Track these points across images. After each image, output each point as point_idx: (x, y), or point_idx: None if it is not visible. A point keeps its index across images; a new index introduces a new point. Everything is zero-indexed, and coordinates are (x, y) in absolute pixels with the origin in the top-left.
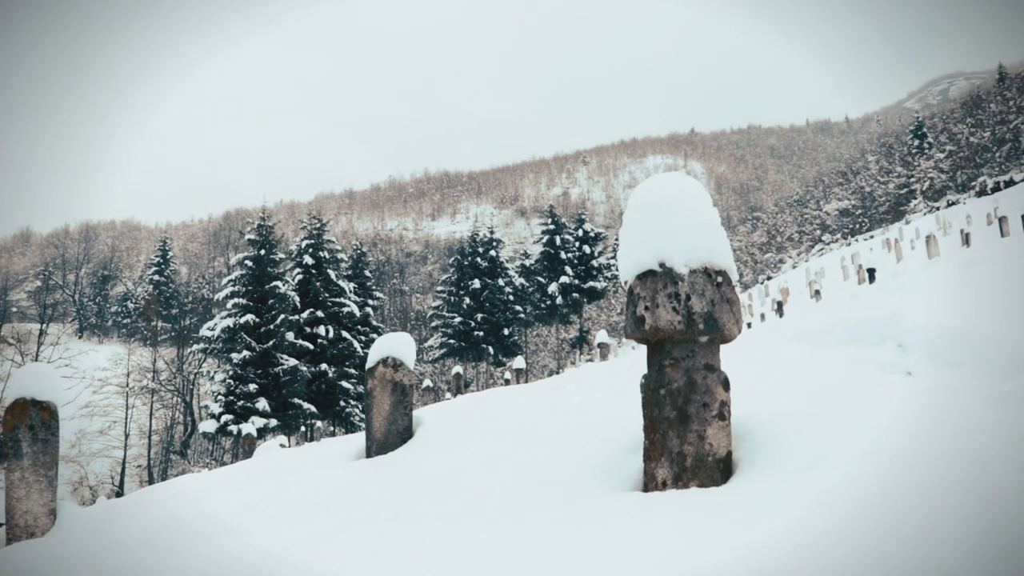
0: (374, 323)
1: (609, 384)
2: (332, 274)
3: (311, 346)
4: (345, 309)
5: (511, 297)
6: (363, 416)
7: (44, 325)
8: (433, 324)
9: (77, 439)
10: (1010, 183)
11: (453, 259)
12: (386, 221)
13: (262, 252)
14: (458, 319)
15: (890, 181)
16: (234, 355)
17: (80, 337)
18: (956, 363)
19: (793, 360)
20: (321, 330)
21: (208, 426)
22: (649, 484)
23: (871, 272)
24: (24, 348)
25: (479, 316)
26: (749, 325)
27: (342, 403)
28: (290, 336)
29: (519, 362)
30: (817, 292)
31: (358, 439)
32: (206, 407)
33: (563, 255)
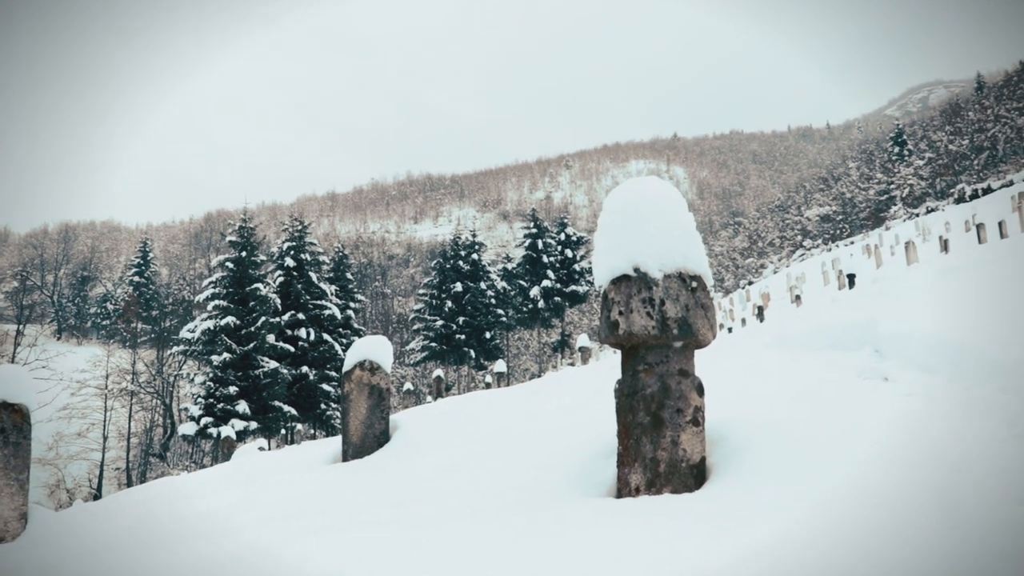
0: (356, 326)
1: (587, 388)
2: (314, 276)
3: (292, 348)
4: (326, 312)
5: (493, 300)
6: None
7: (21, 326)
8: (415, 327)
9: (55, 441)
10: (988, 190)
11: (435, 262)
12: (368, 224)
13: (243, 254)
14: (440, 322)
15: (871, 187)
16: (214, 357)
17: (58, 339)
18: (932, 369)
19: (771, 365)
20: (302, 332)
21: (188, 428)
22: (623, 490)
23: (851, 278)
24: (0, 349)
25: (461, 319)
26: (730, 330)
27: (323, 406)
28: (271, 338)
29: (500, 366)
30: (798, 297)
31: (336, 442)
32: (186, 409)
33: (545, 259)
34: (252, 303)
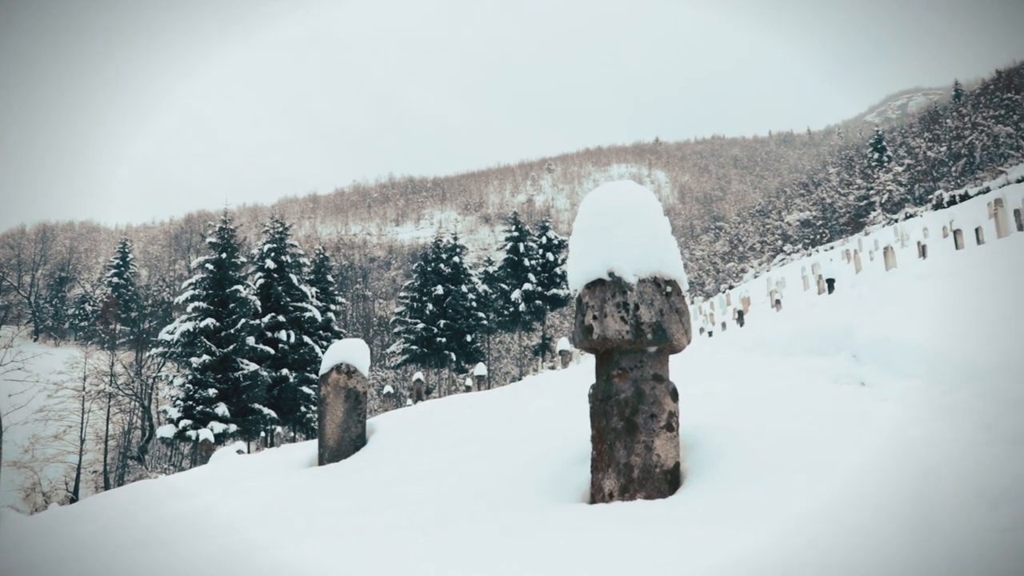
0: (336, 328)
1: (565, 392)
2: (294, 278)
3: (272, 351)
4: (307, 314)
5: (474, 304)
6: None
7: None
8: (396, 330)
9: (30, 444)
10: (965, 197)
11: (417, 265)
12: (350, 226)
13: (223, 255)
14: (421, 325)
15: (850, 193)
16: (194, 359)
17: (35, 340)
18: (909, 374)
19: (749, 370)
20: (282, 335)
21: (166, 431)
22: (596, 495)
23: (830, 282)
24: None
25: (442, 322)
26: (710, 334)
27: (303, 408)
28: (251, 341)
29: (480, 369)
30: (778, 302)
31: (313, 446)
32: (164, 412)
33: (527, 262)
34: (232, 305)
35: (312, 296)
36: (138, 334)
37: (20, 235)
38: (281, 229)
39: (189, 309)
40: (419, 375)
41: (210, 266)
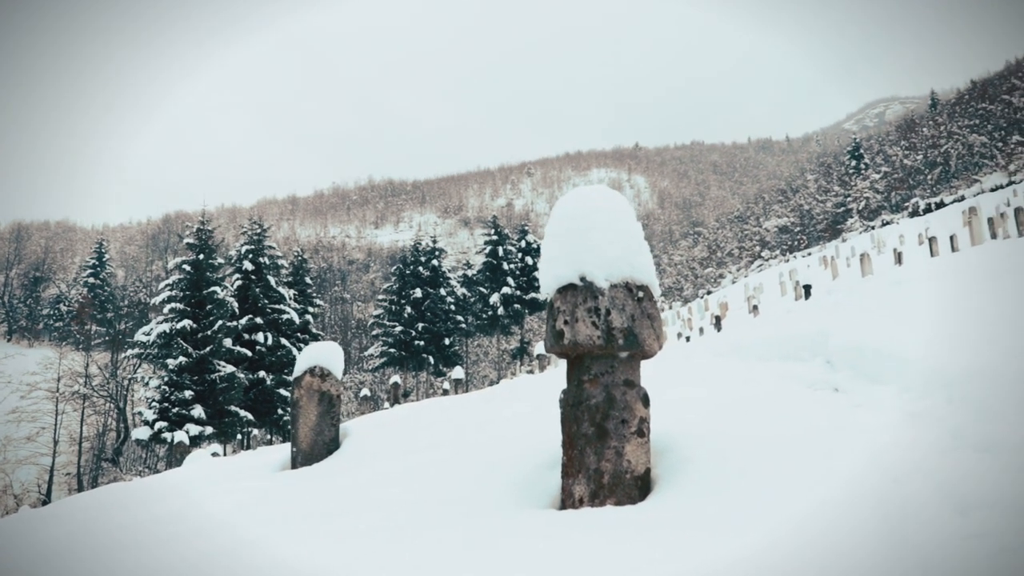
0: (314, 331)
1: (540, 396)
2: (272, 280)
3: (249, 353)
4: (284, 316)
5: (453, 307)
6: None
7: None
8: (374, 333)
9: (2, 446)
10: (940, 205)
11: (395, 268)
12: (329, 228)
13: (201, 256)
14: (399, 328)
15: (828, 200)
16: (170, 361)
17: (8, 340)
18: (882, 380)
19: (724, 375)
20: (260, 337)
21: (141, 433)
22: (566, 501)
23: (807, 288)
24: None
25: (420, 325)
26: (688, 339)
27: (280, 411)
28: (228, 342)
29: (458, 372)
30: (755, 307)
31: (287, 449)
32: (140, 414)
33: (505, 266)
34: (209, 306)
35: (290, 298)
36: (114, 335)
37: None
38: (259, 230)
39: (166, 310)
40: (396, 378)
41: (187, 267)
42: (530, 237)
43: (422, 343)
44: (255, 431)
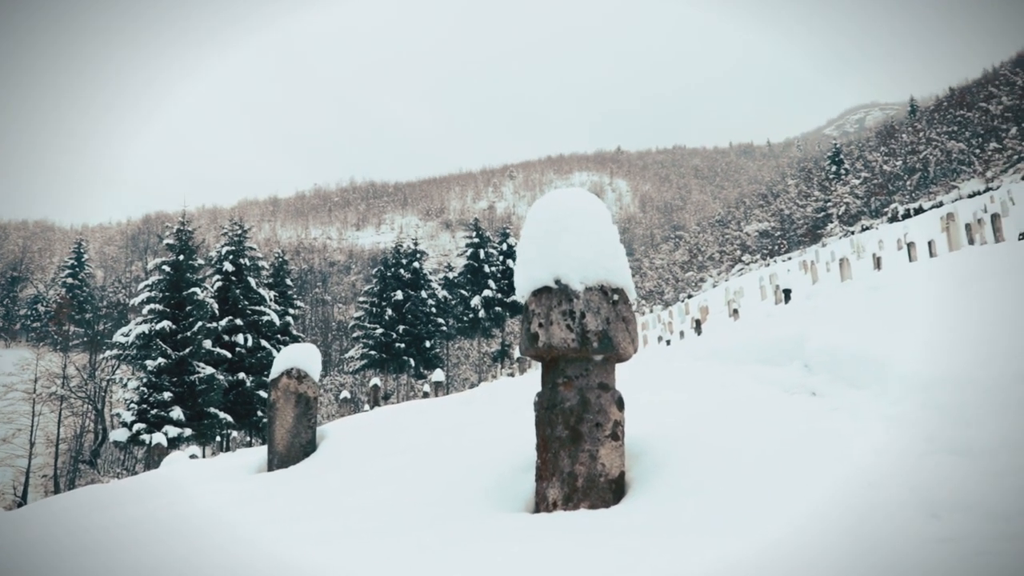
0: (294, 332)
1: (518, 399)
2: (252, 282)
3: (229, 354)
4: (265, 318)
5: (434, 309)
6: None
7: None
8: (355, 335)
9: None
10: (919, 210)
11: (376, 270)
12: (310, 229)
13: (181, 257)
14: (380, 330)
15: (808, 205)
16: (149, 362)
17: None
18: (859, 384)
19: (702, 379)
20: (240, 338)
21: (119, 435)
22: (540, 504)
23: (787, 293)
24: None
25: (401, 328)
26: (668, 343)
27: (259, 413)
28: (207, 344)
29: (438, 375)
30: (735, 311)
31: (265, 452)
32: (118, 415)
33: (487, 268)
34: (189, 307)
35: (270, 300)
36: (92, 336)
37: None
38: (240, 232)
39: (145, 311)
40: (376, 380)
41: (167, 268)
42: (512, 240)
43: (403, 345)
44: (234, 433)
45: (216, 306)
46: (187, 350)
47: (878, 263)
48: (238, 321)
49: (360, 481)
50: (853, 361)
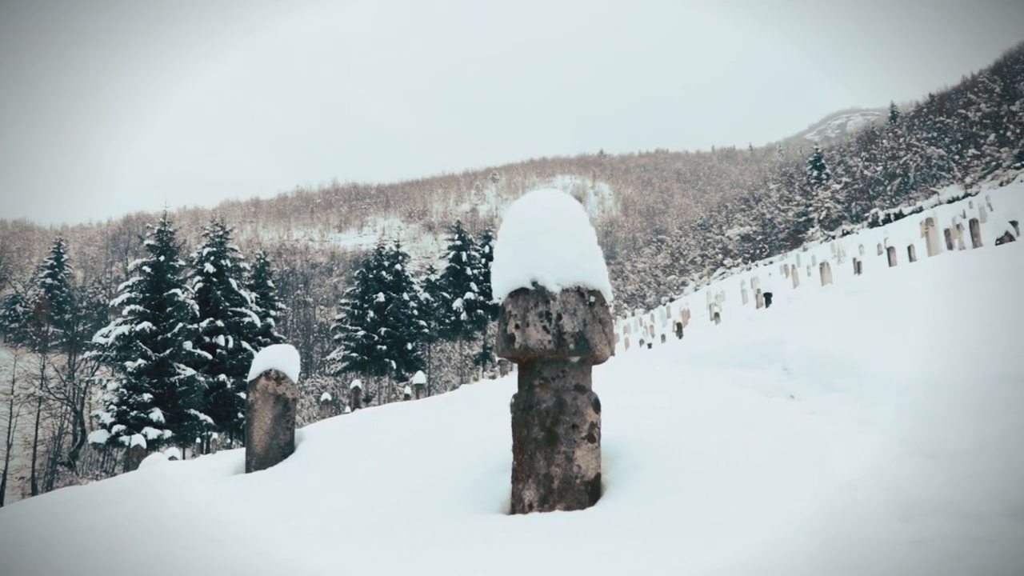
0: (276, 334)
1: (497, 401)
2: (234, 283)
3: (209, 356)
4: (246, 319)
5: (416, 312)
6: None
7: None
8: (336, 337)
9: None
10: (899, 216)
11: (358, 272)
12: (292, 231)
13: (162, 258)
14: (361, 332)
15: (790, 209)
16: (129, 363)
17: None
18: (836, 388)
19: (682, 382)
20: (220, 340)
21: (98, 437)
22: (516, 506)
23: (768, 297)
24: None
25: (383, 330)
26: (650, 346)
27: (240, 415)
28: (188, 345)
29: (419, 377)
30: (717, 315)
31: (244, 453)
32: (97, 417)
33: (469, 271)
34: (169, 309)
35: (252, 301)
36: (71, 337)
37: None
38: (221, 233)
39: (125, 312)
40: (357, 383)
41: (148, 269)
42: (494, 243)
43: (384, 348)
44: (215, 435)
45: (197, 307)
46: (167, 351)
47: (858, 268)
48: (219, 322)
49: (337, 483)
50: (831, 364)
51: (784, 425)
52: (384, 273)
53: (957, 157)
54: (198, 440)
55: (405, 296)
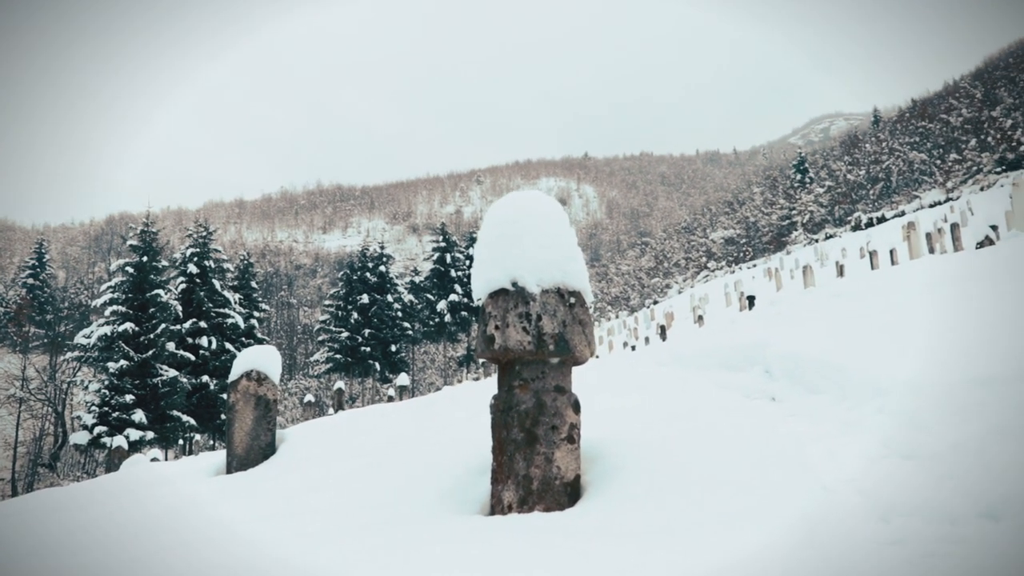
0: (259, 335)
1: (478, 403)
2: (217, 284)
3: (193, 357)
4: (229, 320)
5: (400, 313)
6: None
7: None
8: (320, 338)
9: None
10: (882, 219)
11: (342, 273)
12: (276, 232)
13: (144, 259)
14: (345, 334)
15: (773, 212)
16: (111, 364)
17: None
18: (818, 390)
19: (664, 384)
20: (204, 341)
21: (80, 438)
22: (495, 507)
23: (751, 299)
24: None
25: (367, 331)
26: (633, 348)
27: (223, 416)
28: (171, 346)
29: (403, 379)
30: (700, 317)
31: (224, 454)
32: (79, 418)
33: (453, 273)
34: (152, 309)
35: (235, 302)
36: (53, 337)
37: None
38: (205, 233)
39: (107, 313)
40: (340, 384)
41: (130, 269)
42: None
43: (368, 349)
44: (198, 436)
45: (180, 308)
46: (150, 352)
47: (841, 271)
48: (202, 323)
49: (317, 484)
50: (813, 367)
51: (764, 427)
52: (368, 275)
53: (939, 162)
54: (181, 442)
55: (389, 298)
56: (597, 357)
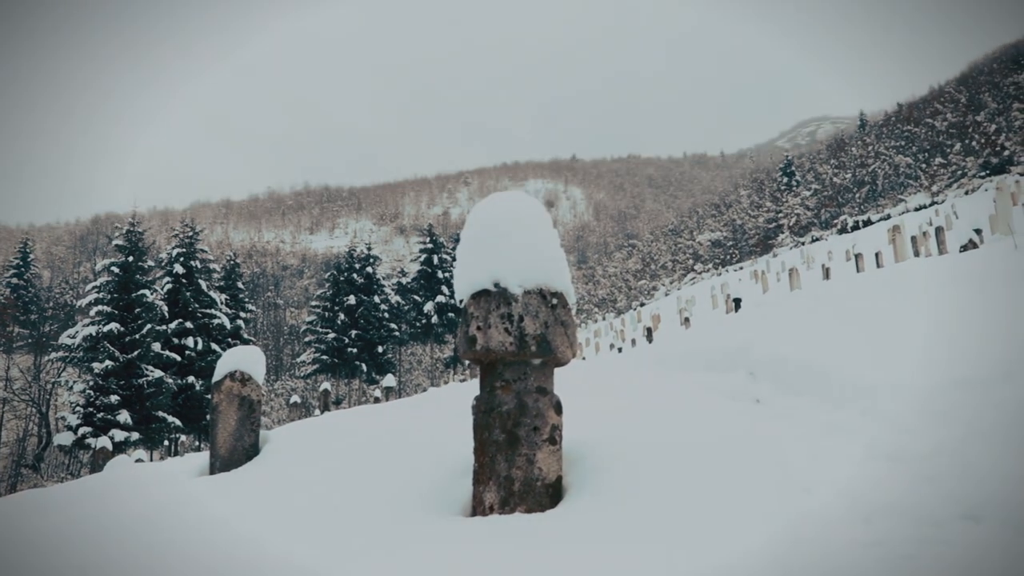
0: (245, 336)
1: (463, 404)
2: (203, 284)
3: (179, 358)
4: (215, 321)
5: (386, 315)
6: None
7: None
8: (307, 339)
9: None
10: (867, 223)
11: (329, 274)
12: (263, 233)
13: (130, 259)
14: (332, 335)
15: (760, 215)
16: (96, 365)
17: None
18: (802, 392)
19: (649, 385)
20: (190, 341)
21: (64, 439)
22: (477, 508)
23: (737, 302)
24: None
25: (353, 333)
26: (620, 350)
27: (209, 417)
28: (157, 347)
29: (390, 380)
30: (687, 319)
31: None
32: (63, 419)
33: (440, 274)
34: (138, 310)
35: (221, 303)
36: (37, 337)
37: None
38: (191, 234)
39: (92, 313)
40: (327, 385)
41: (116, 269)
42: None
43: (355, 350)
44: (183, 437)
45: (166, 309)
46: (135, 353)
47: (827, 273)
48: (188, 324)
49: (299, 484)
50: (797, 369)
51: (747, 429)
52: (355, 276)
53: (924, 166)
54: (166, 442)
55: (376, 299)
56: (583, 359)
